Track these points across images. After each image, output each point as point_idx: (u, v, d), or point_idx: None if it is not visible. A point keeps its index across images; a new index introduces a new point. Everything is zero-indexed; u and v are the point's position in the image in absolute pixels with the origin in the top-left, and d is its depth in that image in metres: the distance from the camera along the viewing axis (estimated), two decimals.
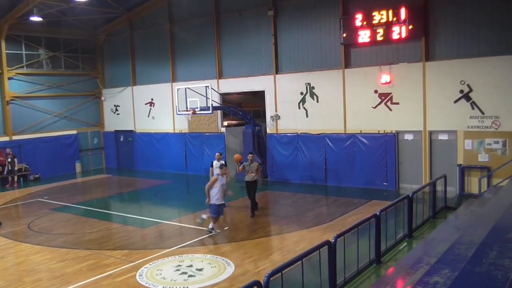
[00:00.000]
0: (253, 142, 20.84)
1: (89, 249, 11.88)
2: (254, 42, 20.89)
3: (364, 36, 17.42)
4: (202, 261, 10.52)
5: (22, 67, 23.98)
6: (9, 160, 22.12)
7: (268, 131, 20.76)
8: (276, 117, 20.33)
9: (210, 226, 12.69)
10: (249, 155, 14.97)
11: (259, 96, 21.98)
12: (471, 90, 15.64)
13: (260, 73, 20.75)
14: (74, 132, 25.95)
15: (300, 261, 7.17)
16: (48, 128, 24.94)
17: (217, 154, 15.39)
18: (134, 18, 25.11)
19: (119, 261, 10.86)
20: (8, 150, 22.34)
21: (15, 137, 23.45)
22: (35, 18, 20.82)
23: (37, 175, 23.78)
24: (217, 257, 10.73)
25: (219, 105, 21.25)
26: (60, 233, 13.66)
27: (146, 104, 25.12)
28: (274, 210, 15.82)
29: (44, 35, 24.57)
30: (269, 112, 20.63)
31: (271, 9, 19.95)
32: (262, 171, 14.08)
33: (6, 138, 23.19)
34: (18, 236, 13.54)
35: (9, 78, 23.35)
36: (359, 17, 17.41)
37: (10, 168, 22.26)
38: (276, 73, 20.21)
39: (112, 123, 27.17)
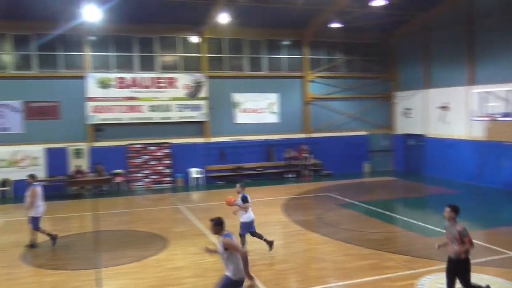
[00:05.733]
0: None
1: (371, 248, 11.99)
2: None
3: None
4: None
5: (321, 70, 26.06)
6: (305, 155, 24.46)
7: None
8: None
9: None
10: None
11: None
12: None
13: None
14: (365, 133, 26.81)
15: None
16: (340, 128, 26.45)
17: None
18: (427, 19, 24.23)
19: (400, 265, 10.61)
20: (304, 147, 24.73)
21: (311, 135, 25.71)
22: (335, 25, 22.27)
23: (329, 172, 25.45)
24: None
25: None
26: (345, 228, 14.20)
27: (437, 107, 23.97)
28: None
29: (340, 40, 26.07)
30: None
31: None
32: None
33: (303, 135, 25.63)
34: (309, 226, 14.70)
35: (310, 81, 25.72)
36: None
37: (304, 163, 24.61)
38: None
39: (402, 126, 26.96)
